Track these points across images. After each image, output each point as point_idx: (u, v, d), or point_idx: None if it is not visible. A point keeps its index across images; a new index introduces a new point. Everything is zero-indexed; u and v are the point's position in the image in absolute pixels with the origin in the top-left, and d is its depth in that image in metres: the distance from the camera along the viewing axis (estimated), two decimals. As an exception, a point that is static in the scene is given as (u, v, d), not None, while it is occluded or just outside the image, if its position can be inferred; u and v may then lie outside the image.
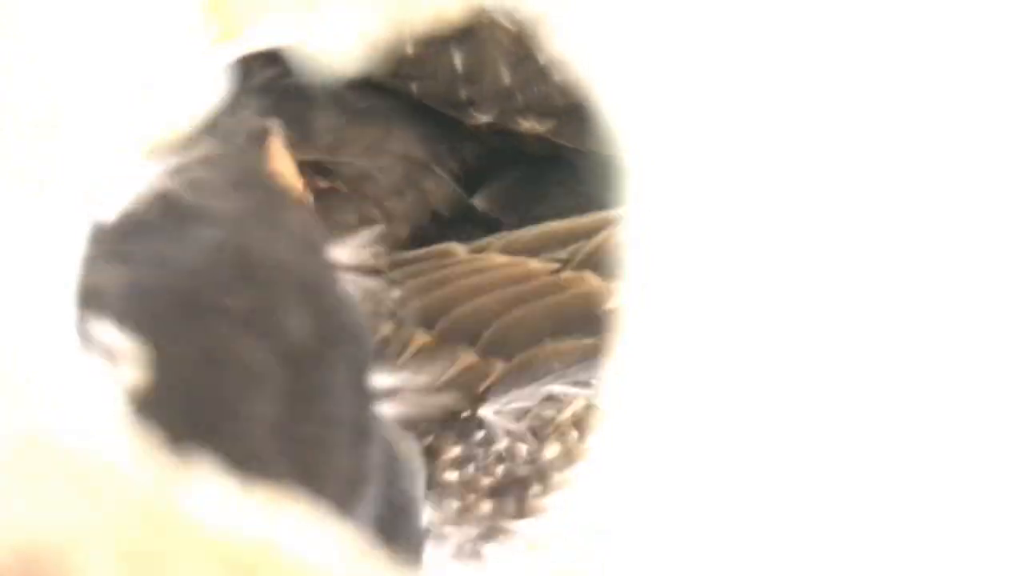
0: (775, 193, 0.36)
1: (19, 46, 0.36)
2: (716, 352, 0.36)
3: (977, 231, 0.34)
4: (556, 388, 0.45)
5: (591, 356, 0.44)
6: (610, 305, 0.44)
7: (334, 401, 0.38)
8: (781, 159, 0.36)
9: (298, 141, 0.48)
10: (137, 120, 0.40)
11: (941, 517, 0.35)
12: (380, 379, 0.43)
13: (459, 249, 0.48)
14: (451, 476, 0.44)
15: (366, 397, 0.40)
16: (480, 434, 0.45)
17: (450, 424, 0.45)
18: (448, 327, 0.45)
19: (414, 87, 0.49)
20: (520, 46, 0.49)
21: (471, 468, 0.44)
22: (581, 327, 0.45)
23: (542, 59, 0.48)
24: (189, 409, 0.35)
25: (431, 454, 0.44)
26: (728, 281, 0.36)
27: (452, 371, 0.44)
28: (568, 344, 0.45)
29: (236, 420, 0.35)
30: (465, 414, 0.45)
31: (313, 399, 0.37)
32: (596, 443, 0.43)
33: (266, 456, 0.35)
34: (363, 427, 0.39)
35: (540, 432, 0.45)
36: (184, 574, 0.31)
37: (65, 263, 0.35)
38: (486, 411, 0.45)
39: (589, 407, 0.45)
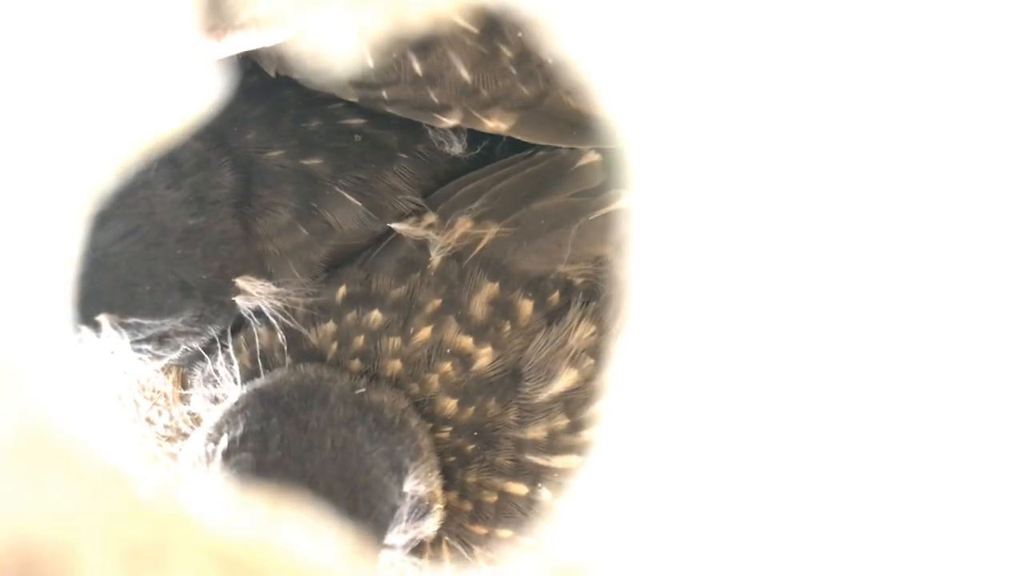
0: (772, 192, 0.36)
1: (19, 46, 0.36)
2: (715, 354, 0.36)
3: (977, 231, 0.35)
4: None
5: (568, 214, 0.52)
6: (578, 164, 0.53)
7: None
8: (779, 157, 0.36)
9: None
10: (134, 119, 0.40)
11: (941, 517, 0.35)
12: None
13: None
14: None
15: None
16: None
17: None
18: (447, 205, 0.52)
19: (384, 93, 0.50)
20: (485, 45, 0.49)
21: None
22: (555, 186, 0.53)
23: (510, 53, 0.49)
24: None
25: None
26: (728, 282, 0.36)
27: (453, 237, 0.51)
28: (547, 202, 0.52)
29: None
30: None
31: None
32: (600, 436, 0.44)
33: None
34: None
35: None
36: (184, 573, 0.31)
37: (62, 260, 0.35)
38: None
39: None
